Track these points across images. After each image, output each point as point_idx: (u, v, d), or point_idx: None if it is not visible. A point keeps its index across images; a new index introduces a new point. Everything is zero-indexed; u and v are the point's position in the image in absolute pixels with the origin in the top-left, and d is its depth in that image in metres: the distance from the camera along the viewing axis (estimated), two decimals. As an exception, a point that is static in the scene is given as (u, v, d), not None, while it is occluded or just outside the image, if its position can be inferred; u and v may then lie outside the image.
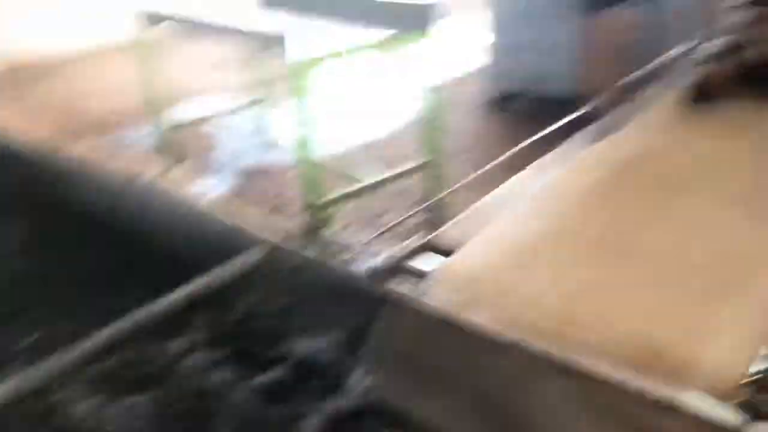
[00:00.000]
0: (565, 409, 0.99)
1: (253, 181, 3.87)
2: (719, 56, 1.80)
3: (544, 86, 4.46)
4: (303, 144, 2.67)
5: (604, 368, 0.98)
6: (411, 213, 1.44)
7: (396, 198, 3.43)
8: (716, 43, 1.88)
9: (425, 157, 3.16)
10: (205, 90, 5.10)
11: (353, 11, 2.89)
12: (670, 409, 0.90)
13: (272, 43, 2.38)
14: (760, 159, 1.47)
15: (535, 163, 1.74)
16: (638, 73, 2.19)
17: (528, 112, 4.69)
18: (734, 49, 1.78)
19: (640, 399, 0.92)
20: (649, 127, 1.69)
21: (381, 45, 2.65)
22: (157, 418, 1.33)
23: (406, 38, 2.73)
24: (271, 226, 3.33)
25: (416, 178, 3.37)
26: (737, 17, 1.85)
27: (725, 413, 0.88)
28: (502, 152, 3.85)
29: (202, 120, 4.28)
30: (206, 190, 3.65)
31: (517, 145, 3.97)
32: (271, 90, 4.24)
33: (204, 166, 4.06)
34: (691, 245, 1.19)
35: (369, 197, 3.37)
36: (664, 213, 1.30)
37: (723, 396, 0.89)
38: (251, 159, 4.24)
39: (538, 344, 1.05)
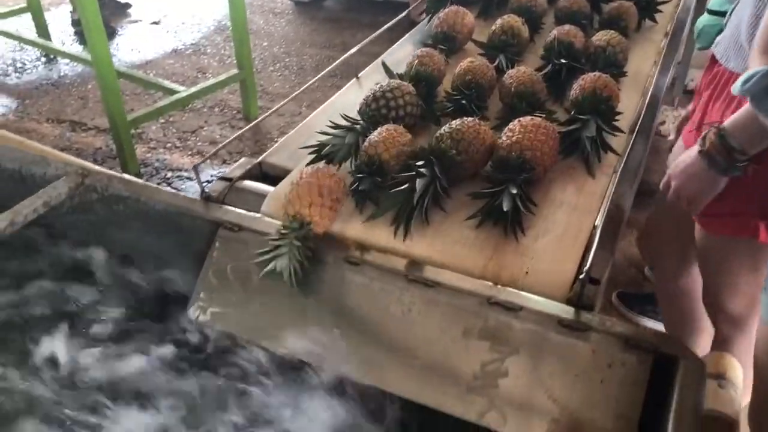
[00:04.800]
0: (415, 316, 1.04)
1: (41, 98, 3.39)
2: None
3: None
4: (99, 52, 2.35)
5: (448, 277, 1.04)
6: (237, 134, 1.37)
7: (210, 112, 3.24)
8: None
9: (238, 68, 3.00)
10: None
11: None
12: (514, 309, 0.99)
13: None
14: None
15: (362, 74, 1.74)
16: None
17: (339, 11, 4.62)
18: None
19: (485, 301, 1.00)
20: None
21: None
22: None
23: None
24: (74, 150, 2.99)
25: (229, 89, 3.19)
26: None
27: (561, 308, 0.99)
28: (315, 59, 3.77)
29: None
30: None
31: (327, 49, 3.91)
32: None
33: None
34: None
35: (181, 111, 3.13)
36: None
37: (557, 297, 1.01)
38: (33, 73, 3.71)
39: (382, 260, 1.10)
